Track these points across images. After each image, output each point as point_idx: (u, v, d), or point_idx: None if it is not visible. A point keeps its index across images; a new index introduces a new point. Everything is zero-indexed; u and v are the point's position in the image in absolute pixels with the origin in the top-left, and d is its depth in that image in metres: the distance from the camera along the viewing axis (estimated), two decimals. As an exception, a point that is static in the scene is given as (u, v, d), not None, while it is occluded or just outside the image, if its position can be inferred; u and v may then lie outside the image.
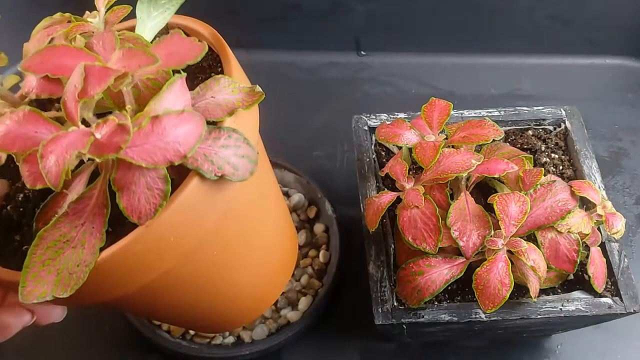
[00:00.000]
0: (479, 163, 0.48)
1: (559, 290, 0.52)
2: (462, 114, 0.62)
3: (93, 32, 0.38)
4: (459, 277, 0.48)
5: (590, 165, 0.57)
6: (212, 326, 0.55)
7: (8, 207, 0.40)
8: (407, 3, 0.83)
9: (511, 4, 0.82)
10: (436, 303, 0.51)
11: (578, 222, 0.49)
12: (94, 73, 0.32)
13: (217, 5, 0.82)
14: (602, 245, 0.53)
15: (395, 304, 0.51)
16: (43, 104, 0.42)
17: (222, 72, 0.41)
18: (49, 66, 0.34)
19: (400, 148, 0.58)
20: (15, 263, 0.36)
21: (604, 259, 0.51)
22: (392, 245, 0.54)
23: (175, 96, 0.34)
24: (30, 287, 0.32)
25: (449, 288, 0.51)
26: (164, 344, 0.62)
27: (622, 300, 0.50)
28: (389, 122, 0.57)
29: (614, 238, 0.53)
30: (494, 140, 0.51)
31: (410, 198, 0.49)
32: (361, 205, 0.56)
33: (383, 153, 0.61)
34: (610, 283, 0.52)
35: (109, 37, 0.36)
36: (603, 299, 0.50)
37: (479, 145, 0.54)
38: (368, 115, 0.62)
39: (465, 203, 0.49)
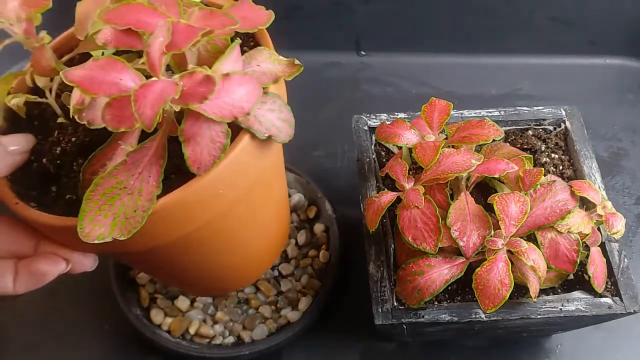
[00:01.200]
0: (479, 163, 0.48)
1: (559, 290, 0.52)
2: (462, 114, 0.62)
3: None
4: (459, 277, 0.48)
5: (590, 165, 0.57)
6: (213, 286, 0.58)
7: (43, 160, 0.42)
8: (407, 3, 0.83)
9: (511, 5, 0.82)
10: (436, 303, 0.51)
11: (578, 222, 0.49)
12: (180, 29, 0.35)
13: None
14: (602, 245, 0.53)
15: (395, 304, 0.51)
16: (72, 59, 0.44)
17: (253, 46, 0.44)
18: (129, 20, 0.36)
19: (400, 148, 0.58)
20: (57, 210, 0.38)
21: (604, 259, 0.51)
22: (392, 245, 0.54)
23: (234, 60, 0.38)
24: (88, 229, 0.35)
25: (449, 288, 0.51)
26: (164, 344, 0.62)
27: (622, 300, 0.50)
28: (389, 122, 0.57)
29: (614, 238, 0.53)
30: (494, 140, 0.51)
31: (410, 198, 0.49)
32: (361, 205, 0.56)
33: (383, 153, 0.61)
34: (610, 283, 0.52)
35: (171, 2, 0.39)
36: (603, 299, 0.50)
37: (479, 145, 0.54)
38: (368, 115, 0.62)
39: (465, 203, 0.49)
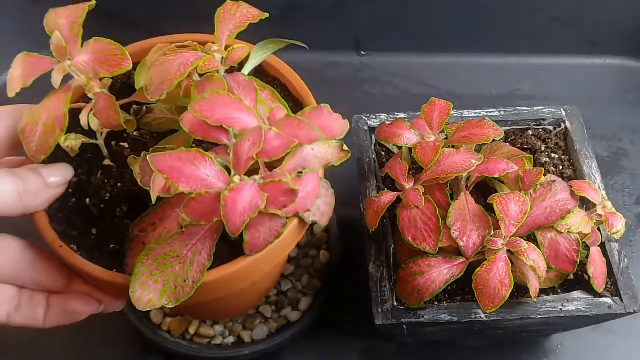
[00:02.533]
0: (479, 163, 0.48)
1: (559, 290, 0.52)
2: (462, 114, 0.62)
3: (218, 71, 0.42)
4: (459, 277, 0.48)
5: (590, 165, 0.57)
6: (223, 315, 0.63)
7: (86, 200, 0.43)
8: (408, 3, 0.83)
9: (512, 4, 0.82)
10: (436, 303, 0.51)
11: (578, 222, 0.49)
12: (271, 139, 0.38)
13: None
14: (602, 245, 0.53)
15: (395, 304, 0.51)
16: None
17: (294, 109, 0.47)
18: (219, 116, 0.38)
19: (400, 148, 0.58)
20: (99, 257, 0.40)
21: (604, 259, 0.51)
22: (392, 245, 0.54)
23: (299, 154, 0.40)
24: (139, 293, 0.37)
25: (449, 288, 0.51)
26: (164, 344, 0.62)
27: (622, 300, 0.50)
28: (389, 122, 0.57)
29: (614, 238, 0.53)
30: (494, 140, 0.51)
31: (410, 198, 0.49)
32: (361, 205, 0.56)
33: (383, 153, 0.61)
34: (610, 283, 0.52)
35: (248, 86, 0.41)
36: (603, 299, 0.50)
37: (479, 145, 0.54)
38: (368, 115, 0.62)
39: (465, 203, 0.49)
